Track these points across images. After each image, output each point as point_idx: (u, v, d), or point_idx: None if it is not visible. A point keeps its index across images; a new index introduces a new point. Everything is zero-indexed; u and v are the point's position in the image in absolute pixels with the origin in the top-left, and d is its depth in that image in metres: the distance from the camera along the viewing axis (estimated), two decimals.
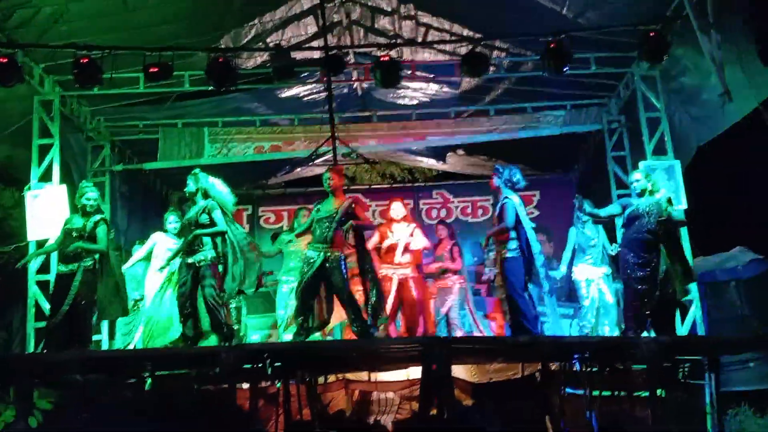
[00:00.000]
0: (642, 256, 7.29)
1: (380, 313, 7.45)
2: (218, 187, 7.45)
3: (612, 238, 9.23)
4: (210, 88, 9.35)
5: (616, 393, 7.27)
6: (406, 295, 8.24)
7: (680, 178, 9.19)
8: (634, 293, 7.33)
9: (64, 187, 9.17)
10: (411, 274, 8.33)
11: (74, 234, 7.36)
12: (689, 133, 9.73)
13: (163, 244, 8.62)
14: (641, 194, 7.48)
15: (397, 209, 8.54)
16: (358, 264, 7.48)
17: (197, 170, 7.50)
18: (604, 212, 7.87)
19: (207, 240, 7.21)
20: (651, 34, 8.31)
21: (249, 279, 7.23)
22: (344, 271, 7.35)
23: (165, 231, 8.73)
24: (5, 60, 8.08)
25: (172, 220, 8.65)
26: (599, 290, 8.94)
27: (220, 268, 7.18)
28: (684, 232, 9.07)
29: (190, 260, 7.21)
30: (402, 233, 8.44)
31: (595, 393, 7.29)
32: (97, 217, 7.43)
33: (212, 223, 7.19)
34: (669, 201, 7.40)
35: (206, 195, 7.30)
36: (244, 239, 7.36)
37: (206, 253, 7.19)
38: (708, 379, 7.55)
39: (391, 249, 8.39)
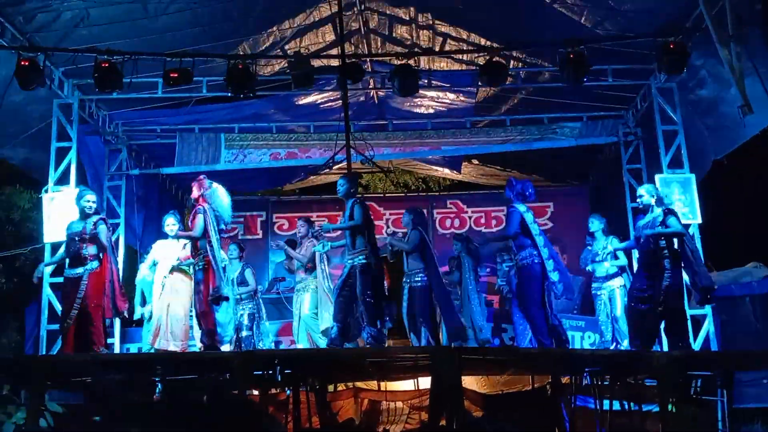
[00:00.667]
0: (642, 273, 7.32)
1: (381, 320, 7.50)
2: (219, 193, 7.54)
3: None
4: (227, 94, 9.42)
5: (627, 407, 7.21)
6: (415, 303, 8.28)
7: (695, 191, 9.14)
8: (634, 310, 7.36)
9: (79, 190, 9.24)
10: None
11: (76, 238, 7.43)
12: (706, 145, 9.69)
13: (161, 250, 8.58)
14: (645, 211, 7.49)
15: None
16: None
17: (202, 176, 7.60)
18: (628, 247, 8.13)
19: (202, 245, 7.34)
20: (670, 46, 8.29)
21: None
22: (364, 275, 7.39)
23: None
24: (27, 63, 8.16)
25: (170, 223, 8.39)
26: (611, 303, 8.90)
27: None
28: (699, 246, 9.05)
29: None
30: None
31: (606, 407, 7.24)
32: (96, 217, 7.53)
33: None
34: (666, 212, 7.34)
35: (203, 201, 7.42)
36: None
37: (201, 257, 7.35)
38: (720, 395, 7.50)
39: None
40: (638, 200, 7.58)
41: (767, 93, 7.98)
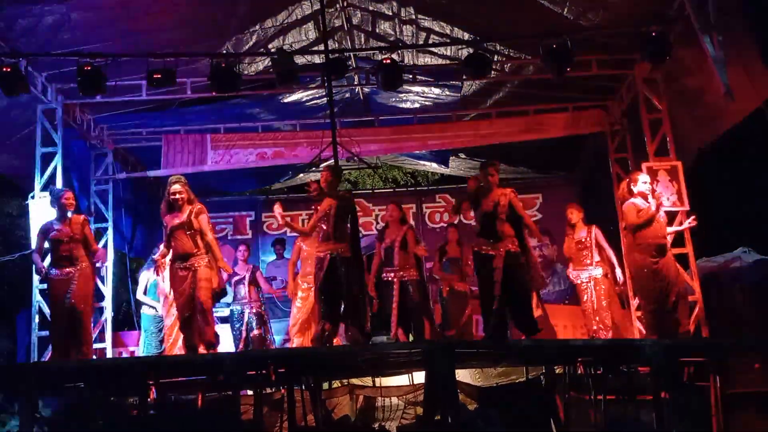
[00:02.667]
0: (658, 259, 7.31)
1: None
2: None
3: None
4: (212, 94, 9.38)
5: (621, 396, 7.24)
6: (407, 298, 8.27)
7: (682, 179, 9.19)
8: (652, 298, 7.36)
9: None
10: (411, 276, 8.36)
11: (65, 239, 7.36)
12: (690, 134, 9.72)
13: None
14: (646, 197, 7.51)
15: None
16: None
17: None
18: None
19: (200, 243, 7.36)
20: (653, 35, 8.32)
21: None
22: (345, 268, 7.37)
23: None
24: (9, 69, 8.10)
25: None
26: (594, 291, 8.91)
27: None
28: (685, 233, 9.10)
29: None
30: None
31: (600, 396, 7.27)
32: (81, 217, 7.50)
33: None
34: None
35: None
36: None
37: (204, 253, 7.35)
38: (713, 381, 7.54)
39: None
40: (641, 187, 7.66)
41: (750, 80, 8.03)
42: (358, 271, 7.49)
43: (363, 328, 7.34)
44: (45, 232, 7.51)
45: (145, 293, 9.46)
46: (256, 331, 9.24)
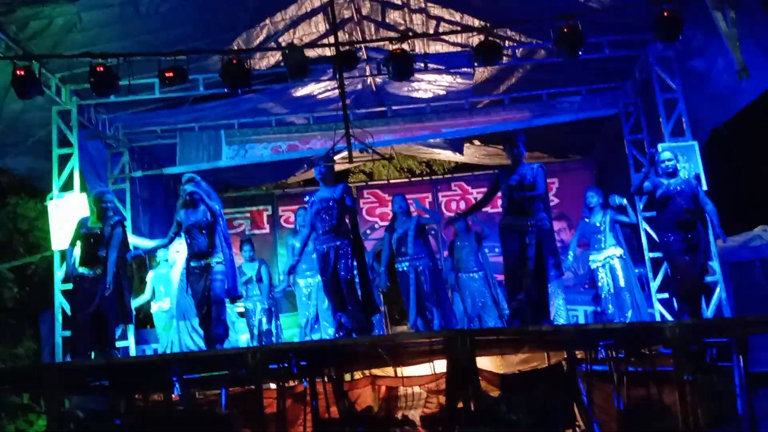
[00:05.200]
0: (685, 236, 7.27)
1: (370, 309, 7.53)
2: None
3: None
4: (224, 90, 9.39)
5: (644, 378, 7.23)
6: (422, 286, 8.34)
7: (699, 158, 9.12)
8: (683, 274, 7.33)
9: (84, 196, 9.25)
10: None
11: (92, 240, 7.42)
12: (703, 114, 9.64)
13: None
14: (673, 174, 7.45)
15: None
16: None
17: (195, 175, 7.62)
18: (645, 188, 7.67)
19: (219, 240, 7.40)
20: (664, 14, 8.25)
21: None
22: (349, 259, 7.39)
23: None
24: (23, 72, 8.13)
25: None
26: (611, 274, 8.93)
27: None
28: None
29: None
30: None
31: (622, 379, 7.27)
32: (115, 219, 7.54)
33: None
34: (696, 178, 7.47)
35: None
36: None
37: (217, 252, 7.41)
38: (736, 360, 7.51)
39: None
40: (665, 163, 7.56)
41: (764, 57, 7.95)
42: (359, 259, 7.54)
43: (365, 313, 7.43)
44: (81, 227, 7.56)
45: (153, 293, 9.59)
46: (266, 327, 9.35)
